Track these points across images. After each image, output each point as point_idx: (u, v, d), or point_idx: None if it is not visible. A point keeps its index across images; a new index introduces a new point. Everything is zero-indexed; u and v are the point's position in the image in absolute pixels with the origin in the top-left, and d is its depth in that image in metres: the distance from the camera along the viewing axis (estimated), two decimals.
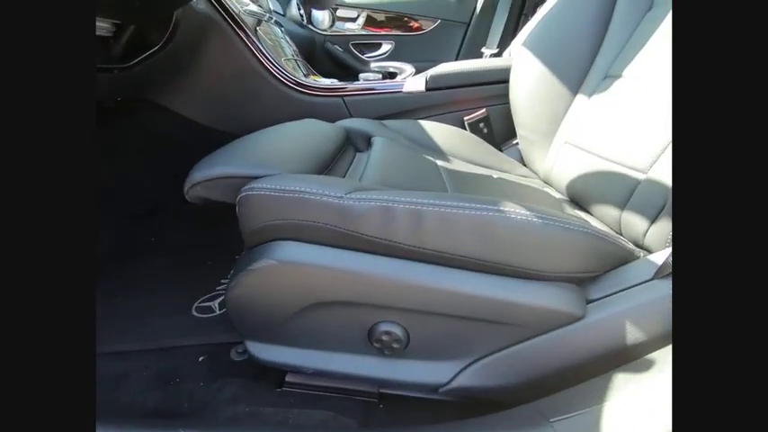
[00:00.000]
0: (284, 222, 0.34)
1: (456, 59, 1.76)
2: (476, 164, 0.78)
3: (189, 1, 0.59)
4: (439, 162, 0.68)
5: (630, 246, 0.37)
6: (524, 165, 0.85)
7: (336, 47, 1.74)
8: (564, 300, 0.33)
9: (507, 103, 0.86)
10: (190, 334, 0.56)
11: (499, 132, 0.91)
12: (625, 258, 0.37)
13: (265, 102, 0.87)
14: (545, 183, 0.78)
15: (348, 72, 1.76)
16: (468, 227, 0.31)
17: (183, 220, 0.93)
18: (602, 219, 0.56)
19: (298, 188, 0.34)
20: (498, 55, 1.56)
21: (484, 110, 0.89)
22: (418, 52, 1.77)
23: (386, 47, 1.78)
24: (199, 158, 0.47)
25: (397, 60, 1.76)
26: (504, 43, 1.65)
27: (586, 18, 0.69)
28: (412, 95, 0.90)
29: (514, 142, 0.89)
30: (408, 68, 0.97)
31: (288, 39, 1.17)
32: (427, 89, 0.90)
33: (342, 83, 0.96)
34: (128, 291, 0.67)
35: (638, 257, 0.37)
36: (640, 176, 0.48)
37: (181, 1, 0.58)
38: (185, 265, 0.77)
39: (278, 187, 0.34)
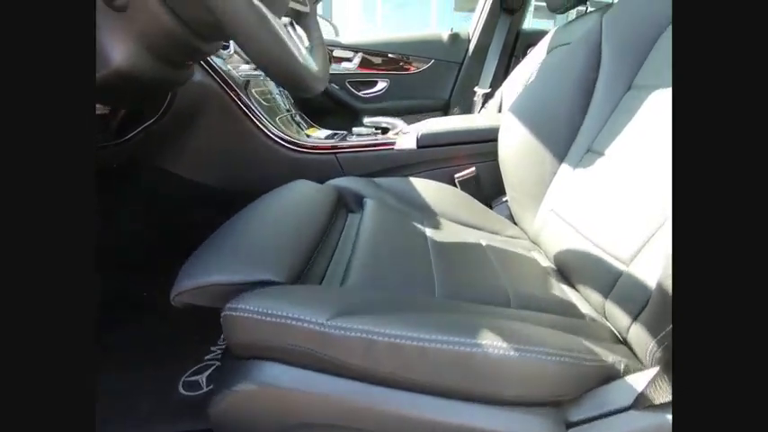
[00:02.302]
0: (268, 343, 0.35)
1: (449, 98, 1.81)
2: (465, 224, 0.80)
3: (183, 84, 0.61)
4: (428, 231, 0.69)
5: (611, 359, 0.38)
6: (514, 222, 0.86)
7: (333, 85, 1.78)
8: (542, 426, 0.33)
9: (496, 159, 0.88)
10: (176, 418, 0.55)
11: (489, 189, 0.93)
12: (607, 375, 0.37)
13: (259, 161, 0.89)
14: (534, 242, 0.79)
15: (344, 108, 1.79)
16: (449, 361, 0.32)
17: (174, 275, 0.93)
18: (587, 299, 0.57)
19: (280, 313, 0.34)
20: (491, 95, 1.60)
21: (473, 168, 0.91)
22: (413, 90, 1.81)
23: (381, 84, 1.82)
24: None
25: (393, 98, 1.80)
26: (496, 83, 1.69)
27: (570, 90, 0.72)
28: (404, 153, 0.92)
29: (504, 199, 0.90)
30: (400, 124, 0.99)
31: (284, 92, 1.19)
32: (418, 147, 0.92)
33: (334, 139, 0.98)
34: (115, 359, 0.67)
35: (620, 370, 0.38)
36: (623, 267, 0.49)
37: (176, 86, 0.60)
38: (175, 324, 0.76)
39: (260, 310, 0.35)
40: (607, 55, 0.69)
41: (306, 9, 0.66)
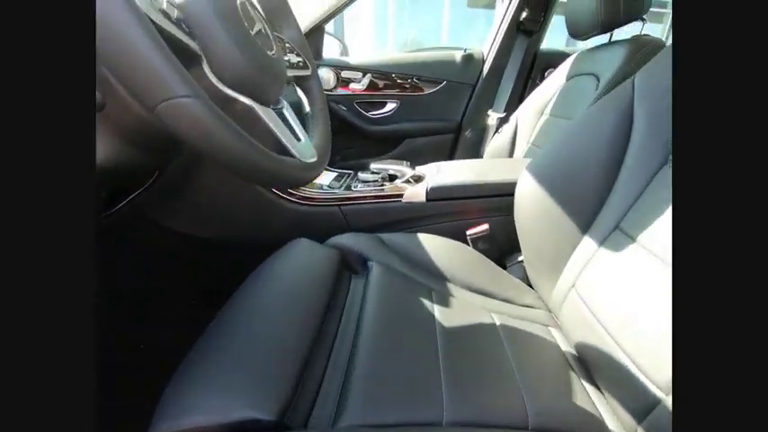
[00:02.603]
0: None
1: (461, 121, 1.74)
2: (477, 291, 0.74)
3: (171, 160, 0.57)
4: (437, 310, 0.63)
5: None
6: (529, 284, 0.80)
7: (341, 106, 1.73)
8: None
9: (511, 215, 0.81)
10: None
11: (504, 245, 0.87)
12: None
13: (261, 214, 0.85)
14: (551, 312, 0.73)
15: (351, 128, 1.74)
16: None
17: (171, 326, 0.90)
18: (614, 411, 0.51)
19: None
20: (505, 119, 1.53)
21: (486, 225, 0.85)
22: (424, 112, 1.74)
23: (390, 105, 1.76)
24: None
25: (403, 120, 1.74)
26: (511, 106, 1.62)
27: (596, 155, 0.65)
28: (412, 206, 0.87)
29: (519, 259, 0.84)
30: (408, 171, 0.93)
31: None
32: (428, 200, 0.86)
33: (340, 185, 0.93)
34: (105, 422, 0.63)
35: None
36: (660, 395, 0.43)
37: (167, 164, 0.55)
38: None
39: None
40: (640, 121, 0.62)
41: (307, 72, 0.61)
